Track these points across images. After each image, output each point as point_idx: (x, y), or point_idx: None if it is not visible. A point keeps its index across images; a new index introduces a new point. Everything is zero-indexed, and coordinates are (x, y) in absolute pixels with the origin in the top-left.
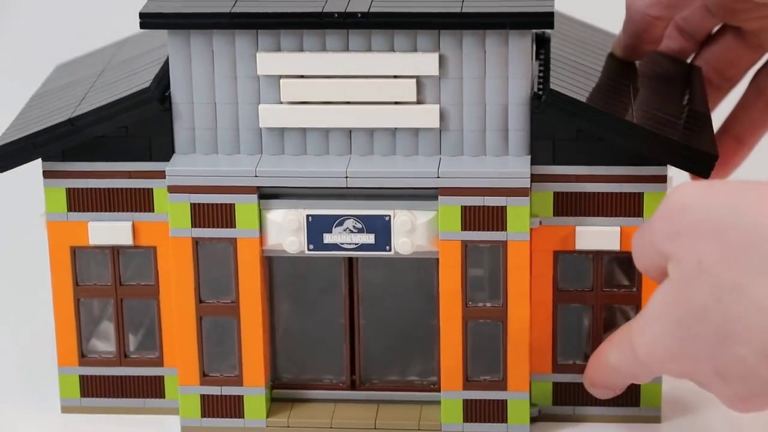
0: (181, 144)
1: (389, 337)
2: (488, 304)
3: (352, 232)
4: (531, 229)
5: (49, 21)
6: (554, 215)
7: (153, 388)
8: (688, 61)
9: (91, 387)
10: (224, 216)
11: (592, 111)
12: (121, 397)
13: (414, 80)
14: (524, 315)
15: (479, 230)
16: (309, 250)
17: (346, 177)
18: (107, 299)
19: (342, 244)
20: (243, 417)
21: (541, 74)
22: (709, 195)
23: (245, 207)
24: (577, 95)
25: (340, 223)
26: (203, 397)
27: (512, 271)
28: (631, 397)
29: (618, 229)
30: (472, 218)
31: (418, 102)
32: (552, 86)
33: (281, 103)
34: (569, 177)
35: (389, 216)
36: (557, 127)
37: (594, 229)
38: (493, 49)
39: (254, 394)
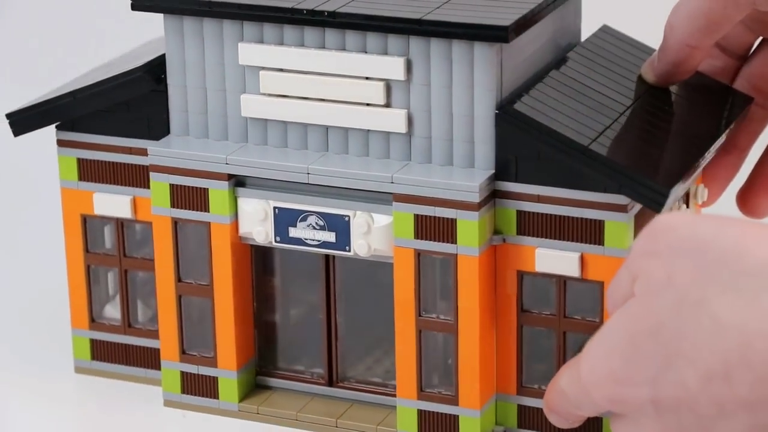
0: (175, 125)
1: (367, 337)
2: (441, 317)
3: (315, 228)
4: (495, 246)
5: (49, 21)
6: (517, 234)
7: (153, 359)
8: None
9: (100, 351)
10: (199, 200)
11: (544, 130)
12: (126, 365)
13: (383, 83)
14: (474, 331)
15: (431, 240)
16: (276, 241)
17: (308, 173)
18: (114, 268)
19: (306, 239)
20: (218, 398)
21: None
22: (696, 221)
23: (218, 193)
24: (543, 114)
25: (304, 219)
26: (183, 373)
27: (462, 286)
28: (593, 430)
29: (578, 255)
30: (424, 227)
31: (387, 105)
32: (523, 102)
33: (261, 94)
34: (531, 197)
35: (349, 216)
36: (520, 144)
37: (553, 252)
38: (460, 58)
39: (227, 377)
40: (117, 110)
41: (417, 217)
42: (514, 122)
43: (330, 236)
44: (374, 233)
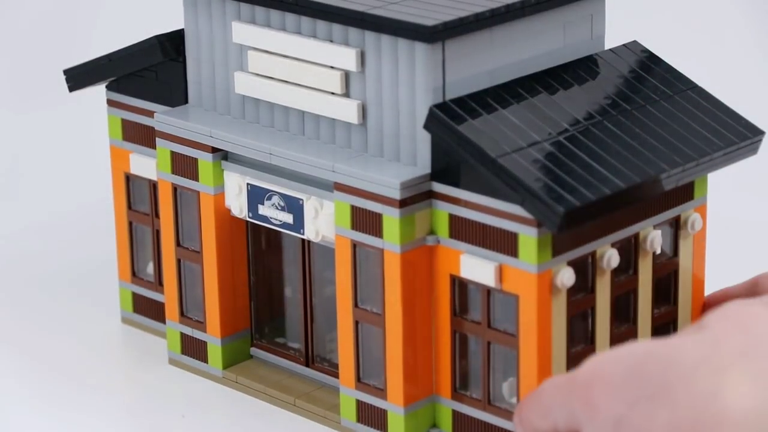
0: (192, 96)
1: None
2: (374, 309)
3: (277, 208)
4: (430, 247)
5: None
6: (449, 237)
7: None
8: None
9: (140, 305)
10: (191, 169)
11: (460, 136)
12: (158, 321)
13: (341, 73)
14: (397, 328)
15: (364, 232)
16: (249, 217)
17: (270, 154)
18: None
19: (270, 217)
20: (207, 362)
21: None
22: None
23: (204, 164)
24: (473, 121)
25: (270, 198)
26: (182, 334)
27: (387, 282)
28: None
29: (495, 264)
30: (359, 219)
31: (346, 95)
32: (457, 107)
33: (249, 73)
34: (460, 201)
35: (303, 200)
36: (450, 148)
37: (475, 259)
38: (404, 54)
39: (213, 343)
40: (147, 76)
41: (353, 208)
42: (438, 126)
43: (289, 217)
44: (321, 219)
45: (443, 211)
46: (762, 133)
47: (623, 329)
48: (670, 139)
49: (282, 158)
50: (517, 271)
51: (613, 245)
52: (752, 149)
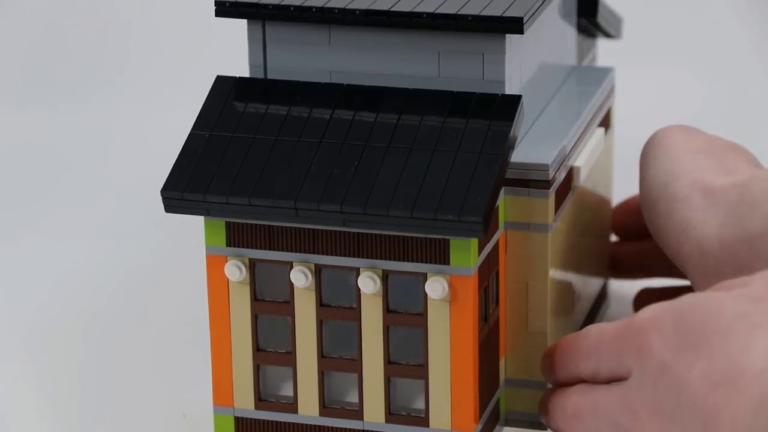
0: None
1: None
2: None
3: None
4: None
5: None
6: None
7: None
8: None
9: None
10: None
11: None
12: None
13: None
14: None
15: None
16: None
17: None
18: None
19: None
20: None
21: None
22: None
23: None
24: (236, 102)
25: None
26: None
27: None
28: None
29: None
30: None
31: None
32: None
33: None
34: None
35: None
36: None
37: None
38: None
39: None
40: None
41: None
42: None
43: None
44: None
45: None
46: (471, 220)
47: (343, 354)
48: (365, 182)
49: None
50: None
51: (318, 266)
52: (459, 231)
